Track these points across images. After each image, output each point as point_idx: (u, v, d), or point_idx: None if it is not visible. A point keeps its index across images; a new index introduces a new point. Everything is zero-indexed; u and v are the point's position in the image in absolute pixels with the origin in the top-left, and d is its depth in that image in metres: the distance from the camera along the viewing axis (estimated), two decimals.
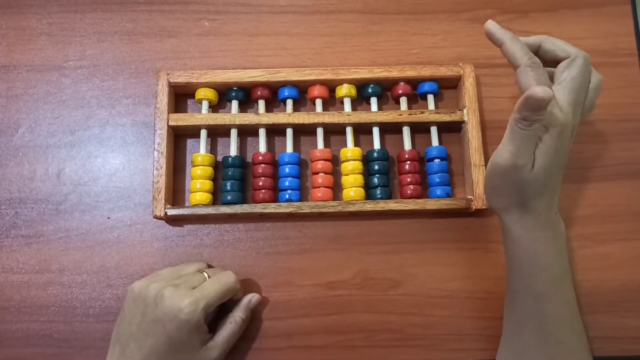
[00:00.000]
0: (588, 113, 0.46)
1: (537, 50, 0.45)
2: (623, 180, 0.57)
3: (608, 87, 0.59)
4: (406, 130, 0.56)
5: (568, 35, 0.60)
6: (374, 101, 0.57)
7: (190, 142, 0.58)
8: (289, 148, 0.55)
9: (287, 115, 0.55)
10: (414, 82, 0.57)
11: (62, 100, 0.58)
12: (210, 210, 0.53)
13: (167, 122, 0.54)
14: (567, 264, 0.46)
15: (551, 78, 0.44)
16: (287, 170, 0.54)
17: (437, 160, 0.55)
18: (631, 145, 0.58)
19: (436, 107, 0.57)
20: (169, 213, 0.52)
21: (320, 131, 0.56)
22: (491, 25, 0.44)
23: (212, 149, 0.57)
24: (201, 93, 0.56)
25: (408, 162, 0.55)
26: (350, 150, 0.55)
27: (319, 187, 0.54)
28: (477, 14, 0.61)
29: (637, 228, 0.56)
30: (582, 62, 0.43)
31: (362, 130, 0.57)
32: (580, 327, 0.47)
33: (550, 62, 0.44)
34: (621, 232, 0.56)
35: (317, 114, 0.55)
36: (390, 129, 0.57)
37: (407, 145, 0.56)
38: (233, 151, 0.55)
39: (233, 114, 0.55)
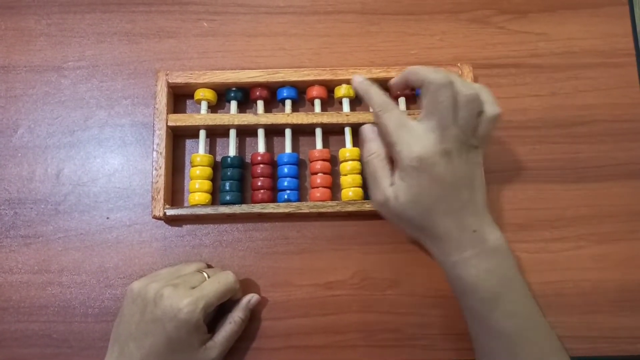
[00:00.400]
0: (472, 127, 0.43)
1: (407, 85, 0.47)
2: (621, 180, 0.57)
3: (605, 88, 0.59)
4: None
5: (565, 36, 0.61)
6: None
7: (189, 143, 0.58)
8: (288, 148, 0.55)
9: (286, 115, 0.55)
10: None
11: (61, 100, 0.59)
12: (209, 210, 0.53)
13: (166, 123, 0.54)
14: (509, 278, 0.44)
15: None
16: (285, 170, 0.54)
17: None
18: (629, 146, 0.58)
19: None
20: (168, 213, 0.53)
21: (318, 131, 0.56)
22: (356, 79, 0.48)
23: (211, 150, 0.57)
24: (200, 93, 0.56)
25: None
26: (349, 151, 0.55)
27: (317, 187, 0.54)
28: (476, 14, 0.62)
29: (635, 228, 0.56)
30: (431, 88, 0.42)
31: None
32: (537, 334, 0.45)
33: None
34: (619, 232, 0.56)
35: (316, 114, 0.55)
36: None
37: None
38: (232, 151, 0.55)
39: (232, 115, 0.55)
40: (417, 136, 0.42)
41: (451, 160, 0.42)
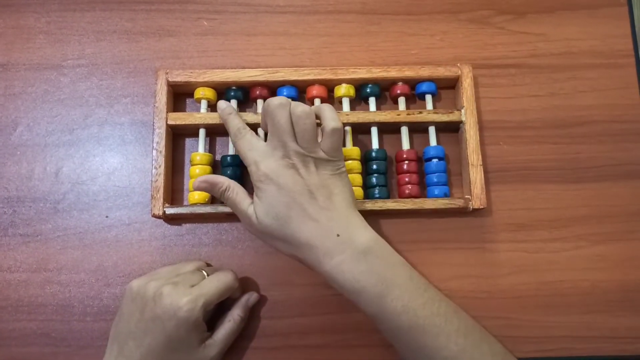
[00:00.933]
0: (312, 140, 0.46)
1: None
2: (620, 180, 0.57)
3: (604, 89, 0.60)
4: (404, 130, 0.56)
5: (564, 37, 0.61)
6: (372, 101, 0.57)
7: (188, 141, 0.58)
8: None
9: None
10: (412, 82, 0.57)
11: (60, 99, 0.58)
12: (209, 209, 0.53)
13: (166, 121, 0.54)
14: (389, 275, 0.44)
15: None
16: None
17: (435, 160, 0.55)
18: (628, 146, 0.58)
19: (434, 107, 0.57)
20: (167, 212, 0.52)
21: (318, 131, 0.56)
22: (220, 105, 0.52)
23: (211, 148, 0.57)
24: (200, 92, 0.56)
25: (406, 161, 0.55)
26: (349, 150, 0.55)
27: None
28: (475, 14, 0.62)
29: (634, 228, 0.56)
30: (266, 110, 0.47)
31: (360, 130, 0.57)
32: (436, 325, 0.43)
33: None
34: (617, 232, 0.56)
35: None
36: (389, 129, 0.57)
37: (406, 145, 0.56)
38: (231, 150, 0.55)
39: None
40: (263, 155, 0.46)
41: (297, 172, 0.45)
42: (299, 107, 0.46)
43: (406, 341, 0.44)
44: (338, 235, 0.44)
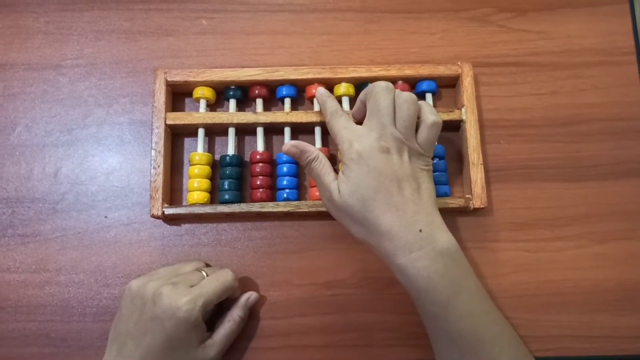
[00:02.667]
0: (410, 129, 0.46)
1: (365, 108, 0.49)
2: (622, 179, 0.57)
3: (605, 86, 0.59)
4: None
5: (565, 34, 0.60)
6: None
7: (187, 141, 0.57)
8: None
9: (285, 114, 0.55)
10: (412, 81, 0.57)
11: (59, 99, 0.58)
12: (208, 209, 0.52)
13: (165, 121, 0.54)
14: (461, 278, 0.44)
15: None
16: (285, 169, 0.54)
17: (435, 159, 0.55)
18: (630, 144, 0.58)
19: (434, 105, 0.57)
20: (166, 212, 0.52)
21: (318, 130, 0.56)
22: (320, 96, 0.51)
23: (210, 148, 0.57)
24: (199, 92, 0.56)
25: None
26: None
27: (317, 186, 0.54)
28: (475, 12, 0.61)
29: (635, 227, 0.56)
30: (373, 91, 0.46)
31: None
32: (495, 331, 0.45)
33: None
34: (620, 231, 0.56)
35: (315, 113, 0.55)
36: None
37: None
38: (231, 150, 0.55)
39: (231, 113, 0.55)
40: (358, 135, 0.45)
41: (390, 157, 0.44)
42: (405, 93, 0.46)
43: (461, 346, 0.44)
44: (420, 231, 0.43)
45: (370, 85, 0.48)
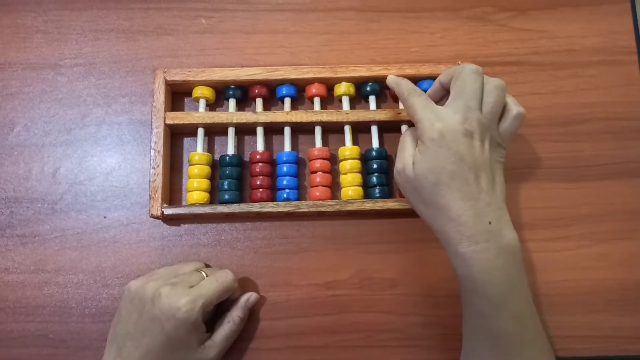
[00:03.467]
0: (495, 117, 0.45)
1: (443, 90, 0.49)
2: (623, 178, 0.57)
3: (607, 86, 0.59)
4: (405, 129, 0.56)
5: (566, 33, 0.60)
6: (372, 99, 0.56)
7: (187, 141, 0.57)
8: (287, 147, 0.55)
9: (285, 113, 0.55)
10: (413, 80, 0.56)
11: (57, 98, 0.58)
12: (208, 209, 0.52)
13: (164, 121, 0.54)
14: (518, 279, 0.43)
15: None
16: (285, 169, 0.54)
17: None
18: (631, 144, 0.58)
19: None
20: (165, 212, 0.52)
21: (318, 130, 0.55)
22: (391, 79, 0.50)
23: (210, 148, 0.57)
24: (198, 91, 0.55)
25: None
26: (349, 149, 0.54)
27: (317, 186, 0.54)
28: (476, 11, 0.61)
29: (636, 227, 0.56)
30: (463, 72, 0.45)
31: (360, 129, 0.57)
32: (536, 335, 0.45)
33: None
34: (621, 231, 0.55)
35: (315, 113, 0.55)
36: (389, 128, 0.57)
37: None
38: (230, 150, 0.55)
39: (230, 113, 0.55)
40: (441, 115, 0.43)
41: (472, 143, 0.43)
42: (496, 79, 0.45)
43: (504, 346, 0.43)
44: (490, 223, 0.42)
45: (458, 66, 0.46)
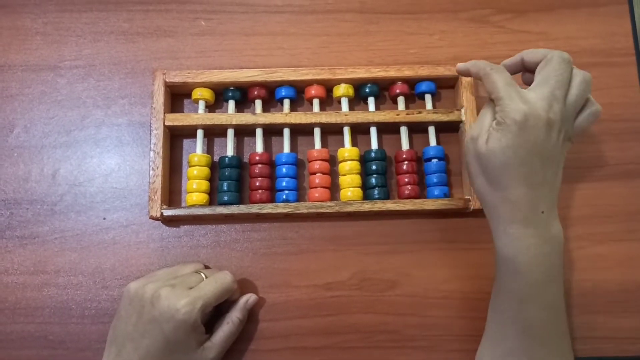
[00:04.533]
0: (576, 111, 0.45)
1: (522, 66, 0.48)
2: (620, 180, 0.57)
3: (605, 87, 0.59)
4: (404, 130, 0.56)
5: (565, 35, 0.60)
6: (371, 101, 0.57)
7: (186, 142, 0.57)
8: (286, 148, 0.55)
9: (284, 115, 0.55)
10: (411, 82, 0.57)
11: (57, 100, 0.58)
12: (207, 210, 0.52)
13: (164, 122, 0.54)
14: (557, 270, 0.44)
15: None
16: (284, 170, 0.54)
17: (434, 160, 0.55)
18: (628, 145, 0.58)
19: (434, 106, 0.57)
20: (165, 214, 0.52)
21: (317, 131, 0.56)
22: (462, 65, 0.49)
23: (209, 149, 0.57)
24: (197, 93, 0.56)
25: (406, 162, 0.55)
26: (348, 150, 0.55)
27: (316, 187, 0.54)
28: (474, 13, 0.61)
29: (634, 228, 0.56)
30: (554, 59, 0.44)
31: (359, 130, 0.57)
32: (564, 331, 0.47)
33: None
34: (618, 232, 0.56)
35: (314, 114, 0.55)
36: (388, 129, 0.57)
37: (405, 145, 0.55)
38: (230, 151, 0.55)
39: (230, 114, 0.55)
40: (525, 97, 0.42)
41: (550, 133, 0.42)
42: (584, 72, 0.45)
43: (534, 336, 0.44)
44: (542, 212, 0.43)
45: (548, 50, 0.45)
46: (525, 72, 0.48)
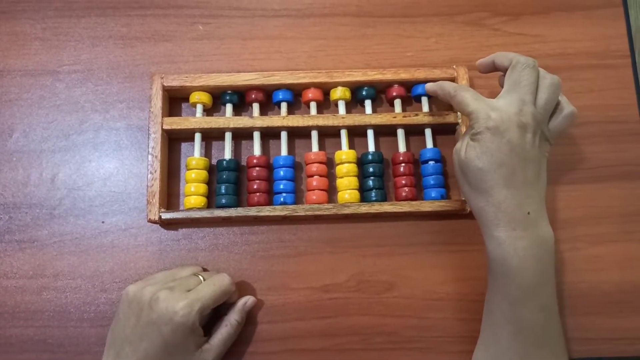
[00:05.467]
0: (548, 113, 0.46)
1: (494, 67, 0.50)
2: (616, 181, 0.57)
3: (600, 89, 0.60)
4: (400, 133, 0.56)
5: (560, 38, 0.61)
6: (368, 104, 0.57)
7: (184, 146, 0.58)
8: (284, 151, 0.55)
9: (282, 118, 0.55)
10: (408, 85, 0.57)
11: (56, 104, 0.58)
12: (205, 213, 0.53)
13: (162, 126, 0.54)
14: (549, 272, 0.45)
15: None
16: (281, 173, 0.54)
17: (431, 162, 0.55)
18: (624, 147, 0.58)
19: (430, 109, 0.57)
20: (163, 217, 0.52)
21: (314, 134, 0.56)
22: (430, 86, 0.52)
23: (207, 153, 0.57)
24: (195, 97, 0.56)
25: (403, 164, 0.55)
26: (345, 153, 0.55)
27: (313, 189, 0.54)
28: (470, 16, 0.62)
29: (630, 229, 0.56)
30: (518, 66, 0.46)
31: (356, 133, 0.57)
32: (558, 332, 0.47)
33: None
34: (614, 233, 0.56)
35: (312, 117, 0.55)
36: (385, 132, 0.57)
37: (402, 147, 0.56)
38: (227, 154, 0.55)
39: (227, 118, 0.55)
40: (495, 105, 0.45)
41: (524, 135, 0.44)
42: (552, 76, 0.47)
43: (527, 338, 0.44)
44: (528, 214, 0.43)
45: (514, 55, 0.47)
46: (501, 74, 0.50)
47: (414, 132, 0.57)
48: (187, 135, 0.56)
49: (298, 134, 0.57)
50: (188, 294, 0.46)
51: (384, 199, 0.54)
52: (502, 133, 0.43)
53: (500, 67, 0.49)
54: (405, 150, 0.56)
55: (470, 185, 0.45)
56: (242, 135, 0.57)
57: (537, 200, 0.44)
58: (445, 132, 0.57)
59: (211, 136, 0.57)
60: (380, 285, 0.54)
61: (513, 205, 0.43)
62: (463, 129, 0.55)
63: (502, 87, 0.48)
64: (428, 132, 0.56)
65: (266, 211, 0.52)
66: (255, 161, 0.55)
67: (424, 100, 0.57)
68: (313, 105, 0.57)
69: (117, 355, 0.46)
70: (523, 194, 0.43)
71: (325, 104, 0.59)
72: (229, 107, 0.56)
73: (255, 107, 0.57)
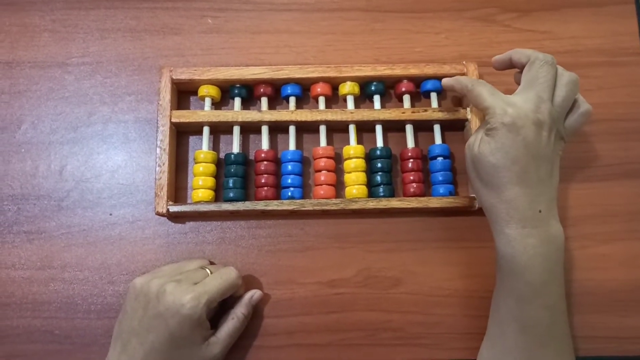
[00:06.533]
0: (565, 111, 0.46)
1: (510, 64, 0.50)
2: (624, 179, 0.57)
3: (609, 87, 0.59)
4: (409, 128, 0.56)
5: (570, 34, 0.61)
6: (377, 99, 0.57)
7: (192, 139, 0.58)
8: (292, 145, 0.55)
9: (290, 112, 0.55)
10: (417, 80, 0.57)
11: (64, 96, 0.58)
12: (212, 207, 0.53)
13: (170, 119, 0.54)
14: (557, 270, 0.44)
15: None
16: (289, 167, 0.54)
17: (440, 159, 0.55)
18: (633, 145, 0.58)
19: (439, 105, 0.57)
20: (171, 210, 0.52)
21: (323, 129, 0.56)
22: (446, 81, 0.51)
23: (215, 146, 0.57)
24: (204, 90, 0.56)
25: (411, 160, 0.55)
26: (353, 148, 0.55)
27: (321, 184, 0.54)
28: (480, 12, 0.62)
29: (637, 228, 0.56)
30: (537, 62, 0.46)
31: (365, 128, 0.57)
32: (564, 331, 0.46)
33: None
34: (621, 231, 0.56)
35: (320, 112, 0.55)
36: (393, 127, 0.57)
37: (410, 143, 0.56)
38: (235, 148, 0.55)
39: (236, 111, 0.55)
40: (511, 102, 0.44)
41: (540, 132, 0.43)
42: (570, 73, 0.46)
43: (533, 335, 0.44)
44: (540, 212, 0.43)
45: (532, 53, 0.47)
46: (516, 71, 0.50)
47: (422, 127, 0.57)
48: (195, 129, 0.56)
49: (306, 129, 0.57)
50: (195, 286, 0.46)
51: (391, 194, 0.54)
52: (517, 129, 0.43)
53: (518, 64, 0.48)
54: (413, 146, 0.56)
55: (482, 181, 0.45)
56: (250, 129, 0.57)
57: (548, 198, 0.44)
58: (454, 128, 0.57)
59: (219, 130, 0.57)
60: (387, 281, 0.54)
61: (525, 203, 0.43)
62: (472, 126, 0.54)
63: (517, 84, 0.48)
64: (437, 128, 0.56)
65: (274, 205, 0.52)
66: (263, 155, 0.55)
67: (433, 96, 0.57)
68: (321, 100, 0.57)
69: (124, 348, 0.46)
70: (535, 192, 0.43)
71: (334, 99, 0.59)
72: (237, 101, 0.56)
73: (264, 101, 0.57)
